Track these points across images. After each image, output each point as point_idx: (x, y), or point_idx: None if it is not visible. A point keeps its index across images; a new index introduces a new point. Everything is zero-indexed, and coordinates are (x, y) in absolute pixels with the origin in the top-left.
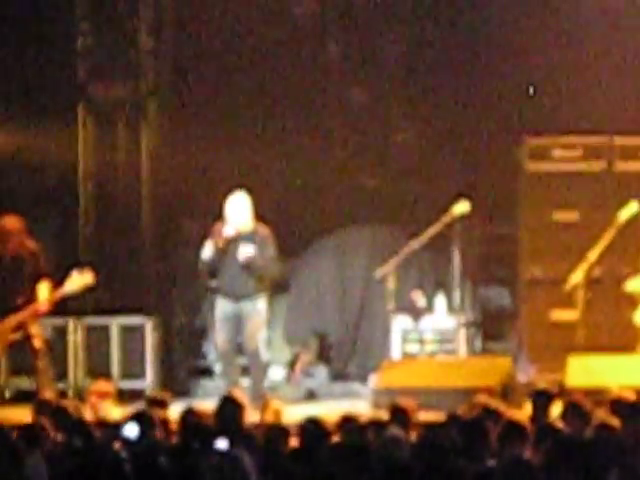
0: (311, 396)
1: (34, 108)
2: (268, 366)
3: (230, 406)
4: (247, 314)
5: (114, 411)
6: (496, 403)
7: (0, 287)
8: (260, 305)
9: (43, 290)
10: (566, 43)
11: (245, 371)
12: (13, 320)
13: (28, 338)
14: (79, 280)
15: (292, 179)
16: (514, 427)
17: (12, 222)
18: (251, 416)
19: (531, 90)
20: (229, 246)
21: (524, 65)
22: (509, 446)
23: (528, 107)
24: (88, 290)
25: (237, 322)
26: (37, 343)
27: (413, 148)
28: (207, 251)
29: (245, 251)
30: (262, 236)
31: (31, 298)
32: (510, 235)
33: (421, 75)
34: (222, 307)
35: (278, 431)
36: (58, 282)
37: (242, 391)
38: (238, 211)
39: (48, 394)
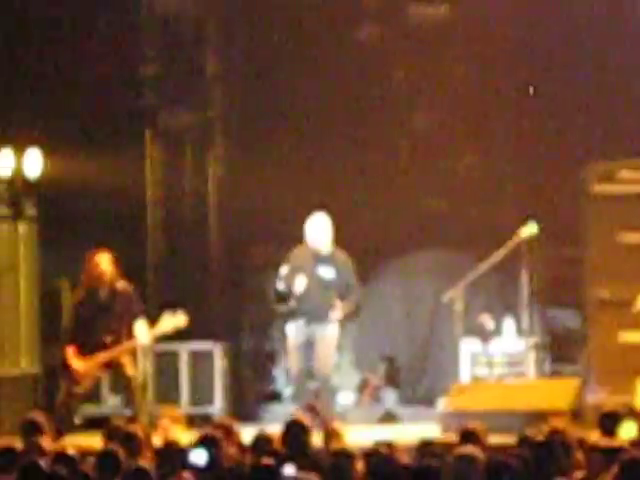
0: (389, 416)
1: (102, 135)
2: (337, 390)
3: (296, 430)
4: (319, 338)
5: (184, 437)
6: (566, 425)
7: (91, 324)
8: (332, 329)
9: (141, 328)
10: (630, 65)
11: (316, 395)
12: (103, 357)
13: (119, 367)
14: (172, 322)
15: (358, 204)
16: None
17: (106, 261)
18: (317, 440)
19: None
20: (306, 268)
21: (590, 87)
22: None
23: (594, 130)
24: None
25: (309, 346)
26: (129, 370)
27: (479, 171)
28: (281, 283)
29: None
30: (342, 261)
31: (120, 337)
32: (578, 257)
33: (486, 98)
34: (295, 331)
35: (344, 455)
36: (150, 321)
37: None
38: (319, 231)
39: (142, 421)
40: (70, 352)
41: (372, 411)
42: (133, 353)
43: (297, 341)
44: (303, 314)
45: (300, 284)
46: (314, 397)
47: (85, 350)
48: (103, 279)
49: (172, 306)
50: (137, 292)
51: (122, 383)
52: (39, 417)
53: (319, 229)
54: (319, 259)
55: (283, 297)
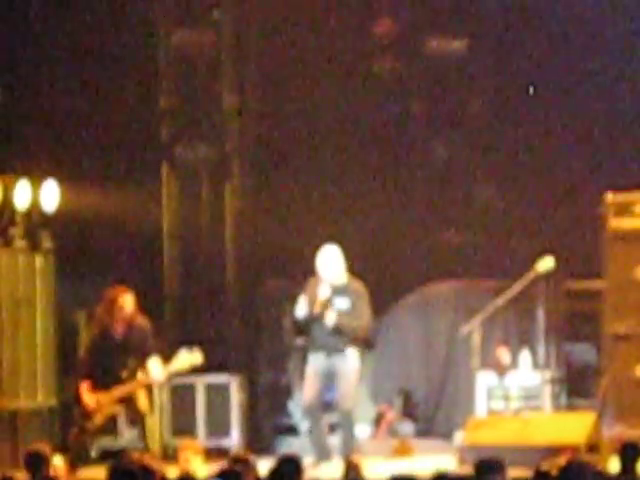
0: (403, 447)
1: (119, 168)
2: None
3: (289, 466)
4: (340, 371)
5: (202, 469)
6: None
7: (106, 359)
8: (353, 361)
9: (155, 365)
10: None
11: (332, 428)
12: (118, 392)
13: (132, 401)
14: (188, 359)
15: (375, 236)
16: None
17: (127, 301)
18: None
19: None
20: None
21: (608, 118)
22: None
23: (611, 162)
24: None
25: (327, 378)
26: (142, 405)
27: (496, 204)
28: (301, 309)
29: (331, 316)
30: (357, 291)
31: (135, 373)
32: (595, 291)
33: (503, 131)
34: (314, 362)
35: None
36: (165, 357)
37: (329, 447)
38: (330, 263)
39: (151, 455)
40: (84, 387)
41: (388, 444)
42: (148, 388)
43: (315, 371)
44: (322, 346)
45: (330, 318)
46: (328, 430)
47: (100, 385)
48: (121, 317)
49: (189, 341)
50: (152, 328)
51: (135, 417)
52: (43, 448)
53: (329, 261)
54: (334, 290)
55: (302, 328)
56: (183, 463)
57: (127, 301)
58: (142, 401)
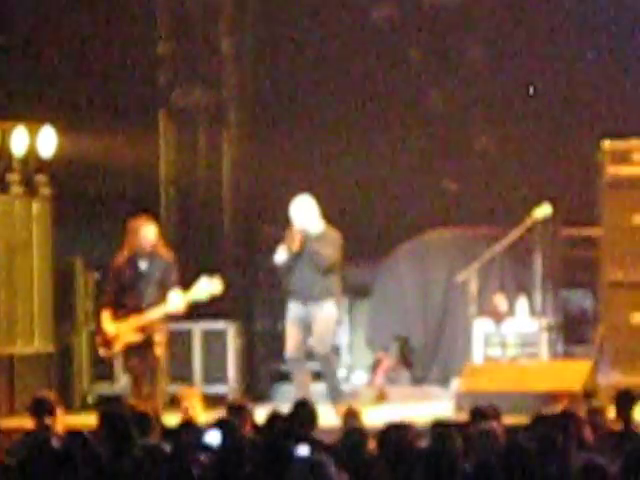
0: (382, 398)
1: (116, 114)
2: (350, 370)
3: (304, 412)
4: (315, 318)
5: (202, 417)
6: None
7: (129, 290)
8: (328, 308)
9: (175, 297)
10: None
11: (317, 376)
12: (136, 321)
13: (150, 344)
14: (208, 288)
15: (372, 184)
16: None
17: (148, 229)
18: (332, 419)
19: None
20: (300, 250)
21: (605, 66)
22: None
23: (609, 109)
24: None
25: (306, 326)
26: (158, 351)
27: (494, 152)
28: (280, 255)
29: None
30: (332, 238)
31: (156, 303)
32: (592, 238)
33: (501, 79)
34: (292, 310)
35: (357, 435)
36: (185, 286)
37: (311, 396)
38: (302, 212)
39: (160, 401)
40: (105, 315)
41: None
42: (166, 319)
43: (293, 320)
44: (297, 293)
45: (280, 256)
46: (313, 378)
47: (121, 314)
48: (144, 248)
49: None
50: (176, 261)
51: (148, 360)
52: (49, 396)
53: (301, 210)
54: (310, 239)
55: (282, 275)
56: (186, 411)
57: (149, 231)
58: (159, 347)
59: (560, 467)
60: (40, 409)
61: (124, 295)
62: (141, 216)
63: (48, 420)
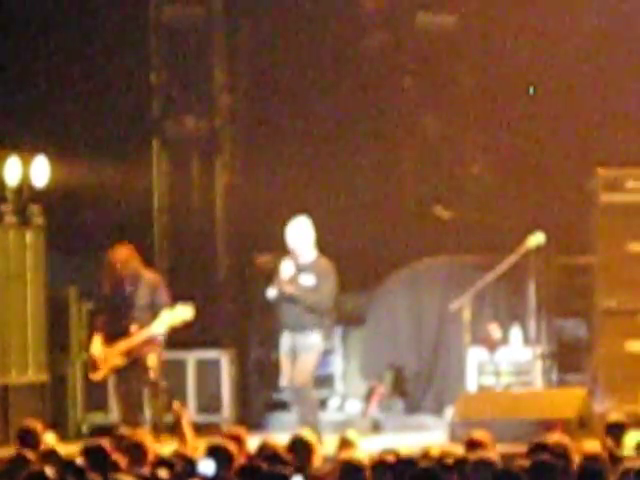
0: (376, 428)
1: (109, 143)
2: (346, 398)
3: (300, 445)
4: (300, 348)
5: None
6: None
7: (116, 314)
8: (313, 339)
9: (162, 317)
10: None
11: (322, 403)
12: (122, 345)
13: (137, 369)
14: (181, 314)
15: (365, 212)
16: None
17: (125, 253)
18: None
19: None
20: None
21: (599, 94)
22: None
23: (601, 138)
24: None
25: (295, 356)
26: (152, 375)
27: (487, 179)
28: (271, 292)
29: (290, 288)
30: (323, 269)
31: (145, 326)
32: (585, 266)
33: (495, 106)
34: (283, 342)
35: (353, 466)
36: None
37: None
38: (298, 236)
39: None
40: (95, 339)
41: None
42: (158, 352)
43: (284, 351)
44: (287, 324)
45: (271, 293)
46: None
47: (111, 339)
48: (123, 271)
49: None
50: (165, 283)
51: (145, 385)
52: (34, 425)
53: (297, 233)
54: (301, 267)
55: (274, 308)
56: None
57: (123, 255)
58: (154, 371)
59: None
60: (25, 438)
61: (112, 320)
62: (116, 245)
63: (32, 450)
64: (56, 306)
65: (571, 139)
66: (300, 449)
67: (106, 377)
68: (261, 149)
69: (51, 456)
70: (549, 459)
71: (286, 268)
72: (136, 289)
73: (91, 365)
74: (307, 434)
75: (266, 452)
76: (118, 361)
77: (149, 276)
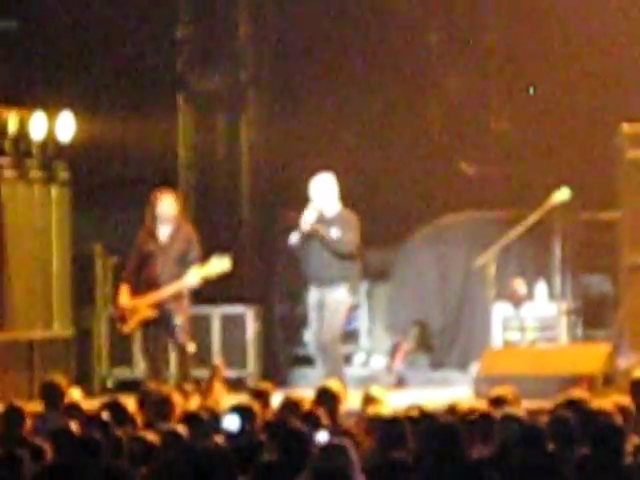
0: (400, 383)
1: (135, 98)
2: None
3: (327, 397)
4: (326, 302)
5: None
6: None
7: (150, 264)
8: (340, 294)
9: (192, 273)
10: None
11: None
12: (152, 297)
13: (166, 322)
14: (218, 265)
15: (391, 167)
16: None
17: (166, 200)
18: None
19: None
20: (314, 231)
21: (626, 52)
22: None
23: (628, 94)
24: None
25: (321, 310)
26: (181, 337)
27: (512, 134)
28: (293, 237)
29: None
30: (346, 220)
31: (175, 280)
32: (611, 222)
33: (520, 61)
34: (310, 296)
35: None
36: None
37: (342, 380)
38: (321, 191)
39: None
40: (122, 290)
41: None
42: (186, 311)
43: (312, 307)
44: (314, 279)
45: (308, 249)
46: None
47: (139, 289)
48: (162, 218)
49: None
50: (198, 238)
51: (173, 345)
52: (58, 379)
53: (320, 189)
54: (325, 221)
55: (297, 256)
56: (208, 392)
57: (168, 202)
58: (178, 317)
59: (578, 452)
60: (49, 393)
61: (144, 270)
62: (162, 188)
63: (57, 404)
64: (81, 261)
65: (597, 94)
66: (327, 400)
67: (135, 330)
68: (286, 103)
69: (75, 411)
70: (573, 415)
71: (309, 215)
72: (172, 239)
73: (119, 317)
74: (334, 385)
75: (291, 407)
76: (148, 313)
77: (187, 228)
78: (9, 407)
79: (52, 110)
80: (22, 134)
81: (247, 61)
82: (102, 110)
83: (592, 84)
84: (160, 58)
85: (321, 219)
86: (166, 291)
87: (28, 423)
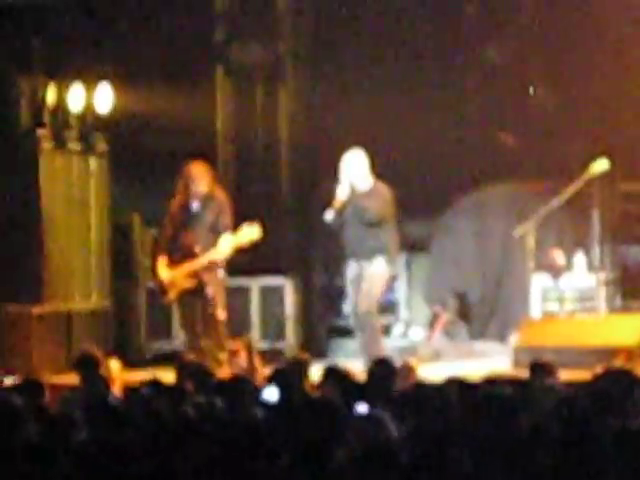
0: (439, 354)
1: (173, 70)
2: (410, 325)
3: (381, 369)
4: (364, 274)
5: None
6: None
7: (183, 233)
8: (378, 265)
9: (224, 242)
10: None
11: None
12: (189, 267)
13: (202, 291)
14: (248, 233)
15: (430, 138)
16: None
17: (200, 170)
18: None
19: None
20: (347, 206)
21: None
22: None
23: None
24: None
25: (360, 283)
26: (210, 291)
27: (551, 105)
28: (328, 214)
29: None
30: (377, 192)
31: (209, 249)
32: None
33: (560, 30)
34: (349, 269)
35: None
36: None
37: (379, 353)
38: (352, 167)
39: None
40: (160, 262)
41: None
42: (218, 282)
43: (350, 278)
44: (352, 253)
45: (344, 224)
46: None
47: (176, 260)
48: (198, 190)
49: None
50: (231, 205)
51: (201, 307)
52: (93, 350)
53: (351, 165)
54: (359, 195)
55: (334, 232)
56: (239, 366)
57: (200, 171)
58: (210, 288)
59: (617, 424)
60: (84, 365)
61: (179, 239)
62: (195, 160)
63: (95, 374)
64: (120, 233)
65: (636, 64)
66: (380, 374)
67: (175, 300)
68: (325, 75)
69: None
70: (612, 386)
71: (342, 190)
72: (205, 208)
73: (160, 289)
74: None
75: (334, 378)
76: (186, 284)
77: (220, 197)
78: (25, 380)
79: (90, 82)
80: (60, 106)
81: (285, 33)
82: (140, 82)
83: (631, 54)
84: (199, 30)
85: (354, 194)
86: (201, 261)
87: (48, 396)
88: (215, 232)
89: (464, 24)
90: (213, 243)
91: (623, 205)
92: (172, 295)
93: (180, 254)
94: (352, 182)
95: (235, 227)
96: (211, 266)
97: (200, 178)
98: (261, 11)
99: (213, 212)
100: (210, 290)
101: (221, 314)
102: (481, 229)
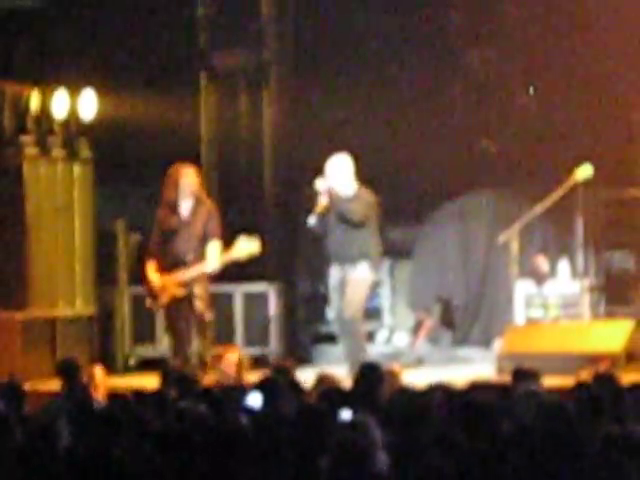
0: (423, 360)
1: (157, 76)
2: (394, 330)
3: (369, 374)
4: (348, 279)
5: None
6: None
7: (172, 239)
8: (361, 270)
9: (213, 251)
10: None
11: (370, 336)
12: (180, 276)
13: (191, 302)
14: (247, 247)
15: (413, 145)
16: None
17: (187, 173)
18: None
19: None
20: (330, 211)
21: None
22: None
23: None
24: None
25: (344, 289)
26: (199, 305)
27: (535, 111)
28: (310, 219)
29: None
30: (360, 196)
31: (200, 257)
32: (633, 199)
33: (542, 38)
34: (331, 275)
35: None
36: (224, 247)
37: (363, 359)
38: (337, 172)
39: (208, 357)
40: (150, 267)
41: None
42: (205, 283)
43: (333, 283)
44: (335, 257)
45: (327, 228)
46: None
47: (165, 265)
48: (184, 192)
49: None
50: (220, 215)
51: (189, 317)
52: (75, 357)
53: (336, 169)
54: (343, 200)
55: (318, 236)
56: (223, 373)
57: (189, 174)
58: (199, 302)
59: (602, 430)
60: (66, 371)
61: (168, 246)
62: (180, 163)
63: (77, 380)
64: (104, 239)
65: (619, 71)
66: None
67: (165, 306)
68: (309, 81)
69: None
70: (595, 392)
71: (322, 196)
72: (194, 215)
73: (150, 294)
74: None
75: (325, 386)
76: (177, 291)
77: (208, 203)
78: (6, 385)
79: (74, 88)
80: (44, 112)
81: (269, 38)
82: (124, 88)
83: (615, 61)
84: (183, 35)
85: (337, 198)
86: (192, 272)
87: (31, 402)
88: (206, 239)
89: (448, 32)
90: (203, 250)
91: (607, 211)
92: (163, 300)
93: (171, 260)
94: (336, 187)
95: (222, 234)
96: (201, 277)
97: (189, 182)
98: (245, 17)
99: (203, 219)
100: (197, 289)
101: (208, 315)
102: (465, 235)
